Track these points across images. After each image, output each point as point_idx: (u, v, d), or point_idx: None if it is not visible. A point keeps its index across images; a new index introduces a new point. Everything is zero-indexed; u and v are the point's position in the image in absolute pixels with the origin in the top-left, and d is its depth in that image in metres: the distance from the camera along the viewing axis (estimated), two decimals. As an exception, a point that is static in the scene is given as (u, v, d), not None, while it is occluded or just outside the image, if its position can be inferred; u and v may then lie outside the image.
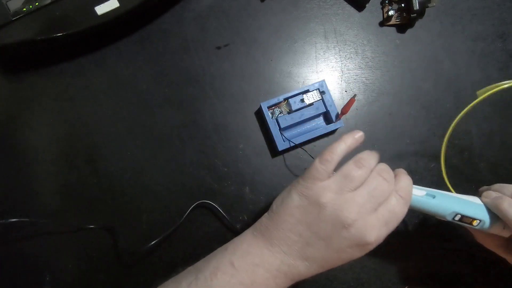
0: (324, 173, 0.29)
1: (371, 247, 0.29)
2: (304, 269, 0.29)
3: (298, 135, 0.43)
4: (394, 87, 0.46)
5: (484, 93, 0.34)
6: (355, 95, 0.41)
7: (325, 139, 0.45)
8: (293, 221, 0.29)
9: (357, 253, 0.29)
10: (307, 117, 0.43)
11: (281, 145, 0.42)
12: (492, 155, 0.45)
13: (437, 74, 0.46)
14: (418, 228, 0.43)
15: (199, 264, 0.32)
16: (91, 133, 0.44)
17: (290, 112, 0.43)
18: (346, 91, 0.46)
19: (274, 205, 0.31)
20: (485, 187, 0.36)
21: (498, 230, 0.32)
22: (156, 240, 0.40)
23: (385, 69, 0.46)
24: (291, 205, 0.30)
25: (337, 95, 0.45)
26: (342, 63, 0.46)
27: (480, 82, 0.45)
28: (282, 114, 0.43)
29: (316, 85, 0.43)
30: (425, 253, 0.43)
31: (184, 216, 0.41)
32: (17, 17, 0.38)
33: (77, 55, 0.45)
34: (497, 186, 0.34)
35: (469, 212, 0.32)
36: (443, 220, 0.33)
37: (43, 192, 0.43)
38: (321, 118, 0.45)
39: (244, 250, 0.30)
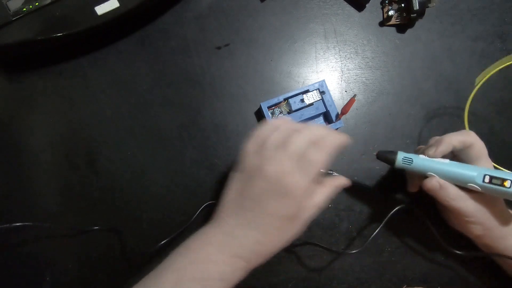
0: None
1: (293, 200, 0.30)
2: (242, 234, 0.30)
3: (298, 135, 0.43)
4: (394, 87, 0.46)
5: (483, 77, 0.37)
6: (355, 95, 0.41)
7: (325, 139, 0.45)
8: (230, 192, 0.32)
9: (282, 207, 0.30)
10: (307, 117, 0.43)
11: (281, 145, 0.42)
12: (492, 155, 0.45)
13: (437, 74, 0.46)
14: (418, 228, 0.43)
15: None
16: (91, 133, 0.44)
17: (290, 112, 0.43)
18: (346, 91, 0.46)
19: None
20: (422, 146, 0.39)
21: None
22: (163, 242, 0.40)
23: (385, 69, 0.46)
24: (230, 182, 0.33)
25: (337, 95, 0.45)
26: (342, 63, 0.46)
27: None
28: (282, 114, 0.43)
29: (316, 85, 0.43)
30: (425, 253, 0.43)
31: (192, 219, 0.41)
32: (17, 17, 0.38)
33: (77, 55, 0.45)
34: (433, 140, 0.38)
35: (498, 173, 0.33)
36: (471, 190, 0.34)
37: (43, 192, 0.43)
38: (321, 118, 0.45)
39: (197, 233, 0.32)
